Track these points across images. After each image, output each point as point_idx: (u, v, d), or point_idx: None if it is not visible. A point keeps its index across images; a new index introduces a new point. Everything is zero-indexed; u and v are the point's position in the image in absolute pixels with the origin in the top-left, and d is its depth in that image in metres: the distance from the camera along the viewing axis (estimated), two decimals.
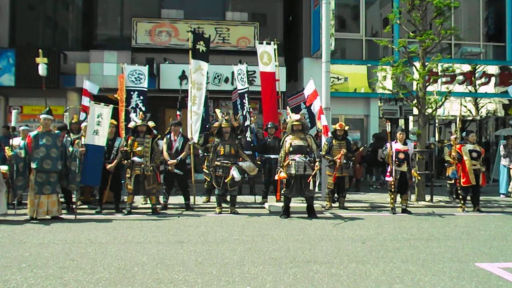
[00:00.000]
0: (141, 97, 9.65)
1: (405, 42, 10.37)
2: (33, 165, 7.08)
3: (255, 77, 11.07)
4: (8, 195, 7.62)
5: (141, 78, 9.70)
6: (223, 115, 8.29)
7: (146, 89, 9.78)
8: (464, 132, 9.80)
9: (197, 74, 9.40)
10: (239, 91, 10.26)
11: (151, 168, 7.87)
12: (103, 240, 5.74)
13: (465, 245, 5.78)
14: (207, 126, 9.89)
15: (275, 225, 6.97)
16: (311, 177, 7.69)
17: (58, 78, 12.58)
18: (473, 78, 14.52)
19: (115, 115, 8.62)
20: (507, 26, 14.97)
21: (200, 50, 9.45)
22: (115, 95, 10.15)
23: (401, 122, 14.73)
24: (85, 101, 10.33)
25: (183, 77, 12.50)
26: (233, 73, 11.44)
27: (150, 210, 8.08)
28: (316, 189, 7.91)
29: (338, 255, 5.13)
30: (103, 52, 12.76)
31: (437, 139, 15.33)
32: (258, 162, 9.11)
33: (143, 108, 9.36)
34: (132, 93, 9.59)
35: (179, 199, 8.84)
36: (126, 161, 7.85)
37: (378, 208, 9.02)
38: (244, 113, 9.95)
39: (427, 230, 6.75)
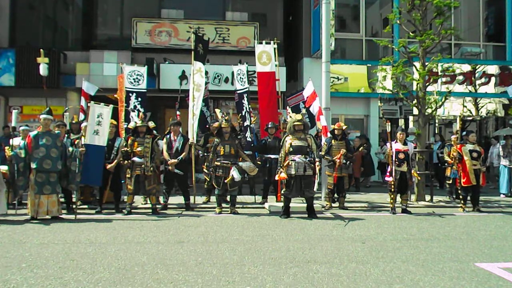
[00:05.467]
0: (139, 99, 9.62)
1: (405, 42, 10.37)
2: (33, 165, 7.08)
3: (255, 77, 11.08)
4: (8, 195, 7.62)
5: (140, 80, 9.68)
6: (223, 115, 8.29)
7: (144, 91, 9.76)
8: (464, 132, 9.80)
9: (197, 76, 9.45)
10: (238, 92, 10.27)
11: (152, 168, 7.88)
12: (103, 240, 5.74)
13: (465, 245, 5.78)
14: (207, 126, 9.91)
15: (275, 225, 6.97)
16: (315, 177, 7.71)
17: (58, 78, 12.59)
18: (473, 78, 14.53)
19: (115, 115, 8.62)
20: (507, 26, 14.97)
21: (200, 53, 9.51)
22: (115, 95, 10.16)
23: (401, 122, 14.73)
24: (83, 101, 10.34)
25: (183, 77, 12.52)
26: (233, 73, 11.45)
27: (150, 210, 8.08)
28: (315, 189, 7.88)
29: (338, 255, 5.13)
30: (103, 52, 12.77)
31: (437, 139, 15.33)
32: (258, 162, 9.11)
33: (141, 110, 9.34)
34: (130, 94, 9.57)
35: (179, 199, 8.84)
36: (126, 161, 7.85)
37: (378, 208, 9.02)
38: (244, 113, 9.95)
39: (427, 230, 6.75)
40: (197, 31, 10.11)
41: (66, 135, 8.35)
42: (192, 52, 9.46)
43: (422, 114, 10.20)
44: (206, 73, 12.06)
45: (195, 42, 9.47)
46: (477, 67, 14.58)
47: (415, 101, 10.31)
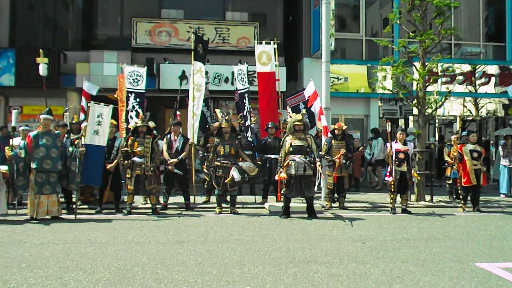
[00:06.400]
0: (138, 99, 9.60)
1: (405, 42, 10.36)
2: (33, 165, 7.08)
3: (255, 77, 11.08)
4: (8, 195, 7.62)
5: (139, 80, 9.66)
6: (223, 115, 8.29)
7: (143, 91, 9.74)
8: (465, 132, 9.81)
9: (197, 76, 9.47)
10: (239, 91, 10.27)
11: (152, 168, 7.87)
12: (103, 240, 5.74)
13: (465, 245, 5.78)
14: (207, 126, 9.91)
15: (275, 225, 6.97)
16: (318, 179, 7.71)
17: (58, 78, 12.59)
18: (473, 78, 14.52)
19: (115, 115, 8.61)
20: (507, 26, 14.96)
21: (200, 53, 9.52)
22: (115, 95, 10.16)
23: (401, 122, 14.73)
24: (84, 101, 10.33)
25: (183, 77, 12.51)
26: (233, 73, 11.46)
27: (150, 210, 8.08)
28: (316, 189, 7.89)
29: (338, 255, 5.13)
30: (103, 52, 12.77)
31: (437, 139, 15.34)
32: (258, 162, 9.11)
33: (140, 111, 9.32)
34: (129, 95, 9.56)
35: (179, 199, 8.84)
36: (126, 161, 7.85)
37: (378, 208, 9.02)
38: (245, 113, 9.95)
39: (427, 230, 6.75)
40: (196, 31, 10.10)
41: (66, 135, 8.35)
42: (192, 52, 9.47)
43: (422, 114, 10.20)
44: (206, 73, 12.07)
45: (195, 42, 9.47)
46: (477, 67, 14.57)
47: (415, 101, 10.31)
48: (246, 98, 9.94)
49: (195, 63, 9.41)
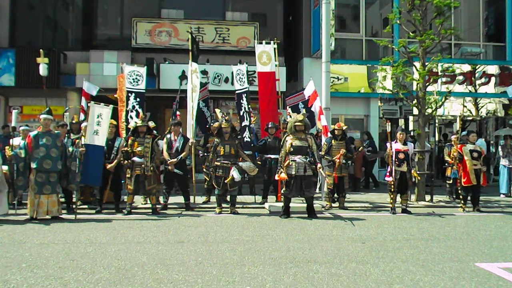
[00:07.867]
0: (138, 99, 9.59)
1: (405, 42, 10.36)
2: (33, 165, 7.08)
3: (255, 77, 11.08)
4: (8, 195, 7.62)
5: (139, 80, 9.65)
6: (223, 115, 8.29)
7: (143, 91, 9.73)
8: (465, 132, 9.80)
9: (194, 76, 9.46)
10: (237, 91, 10.24)
11: (152, 168, 7.88)
12: (103, 240, 5.74)
13: (465, 245, 5.78)
14: (208, 126, 9.90)
15: (275, 225, 6.97)
16: (319, 181, 7.72)
17: (58, 78, 12.59)
18: (473, 78, 14.53)
19: (115, 115, 8.61)
20: (507, 26, 14.97)
21: (194, 53, 9.55)
22: (115, 95, 10.16)
23: (401, 122, 14.73)
24: (83, 102, 10.34)
25: (183, 77, 12.50)
26: (233, 73, 11.44)
27: (150, 210, 8.08)
28: (317, 190, 7.90)
29: (338, 255, 5.13)
30: (103, 52, 12.77)
31: (437, 139, 15.35)
32: (258, 162, 9.11)
33: (140, 110, 9.31)
34: (129, 94, 9.56)
35: (179, 199, 8.84)
36: (126, 161, 7.85)
37: (378, 208, 9.02)
38: (242, 113, 9.93)
39: (427, 230, 6.75)
40: (191, 31, 10.08)
41: (66, 135, 8.35)
42: (190, 53, 9.47)
43: (422, 114, 10.20)
44: (206, 73, 12.06)
45: (191, 43, 9.47)
46: (477, 67, 14.58)
47: (415, 101, 10.31)
48: (244, 99, 9.90)
49: (192, 64, 9.42)
